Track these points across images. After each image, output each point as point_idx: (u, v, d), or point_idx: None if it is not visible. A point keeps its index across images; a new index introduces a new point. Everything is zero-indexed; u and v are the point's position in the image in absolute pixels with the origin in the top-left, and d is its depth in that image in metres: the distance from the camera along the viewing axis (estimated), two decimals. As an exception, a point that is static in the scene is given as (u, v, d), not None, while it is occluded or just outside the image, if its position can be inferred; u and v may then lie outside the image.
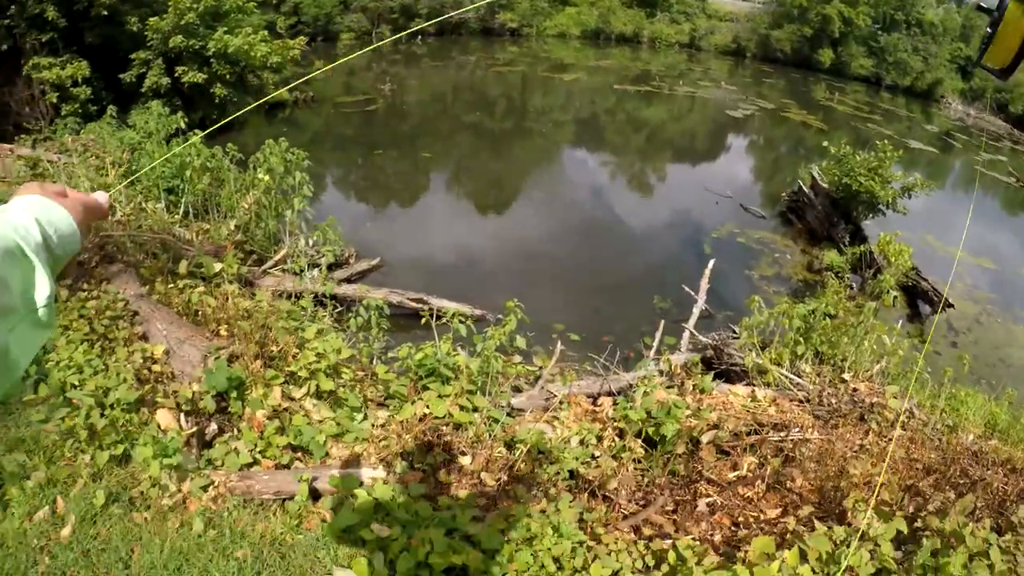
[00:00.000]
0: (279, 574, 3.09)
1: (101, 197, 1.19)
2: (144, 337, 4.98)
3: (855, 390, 5.48)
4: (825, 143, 15.63)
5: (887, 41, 51.32)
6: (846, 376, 5.88)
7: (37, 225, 1.00)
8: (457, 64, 37.36)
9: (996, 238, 20.16)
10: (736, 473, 4.30)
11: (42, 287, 0.96)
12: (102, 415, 3.79)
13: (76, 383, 4.01)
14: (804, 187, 15.52)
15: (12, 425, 3.89)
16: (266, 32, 20.08)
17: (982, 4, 1.07)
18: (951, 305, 12.02)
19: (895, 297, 9.76)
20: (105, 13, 17.28)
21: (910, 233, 14.84)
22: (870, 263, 12.45)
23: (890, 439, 4.55)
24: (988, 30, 1.02)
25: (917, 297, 12.44)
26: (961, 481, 4.18)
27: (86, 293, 5.28)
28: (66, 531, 3.18)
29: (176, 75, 17.54)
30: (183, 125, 10.82)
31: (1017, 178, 28.98)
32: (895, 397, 5.17)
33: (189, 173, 8.94)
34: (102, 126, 12.24)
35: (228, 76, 18.14)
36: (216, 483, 3.55)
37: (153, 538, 3.18)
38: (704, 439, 4.51)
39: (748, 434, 4.69)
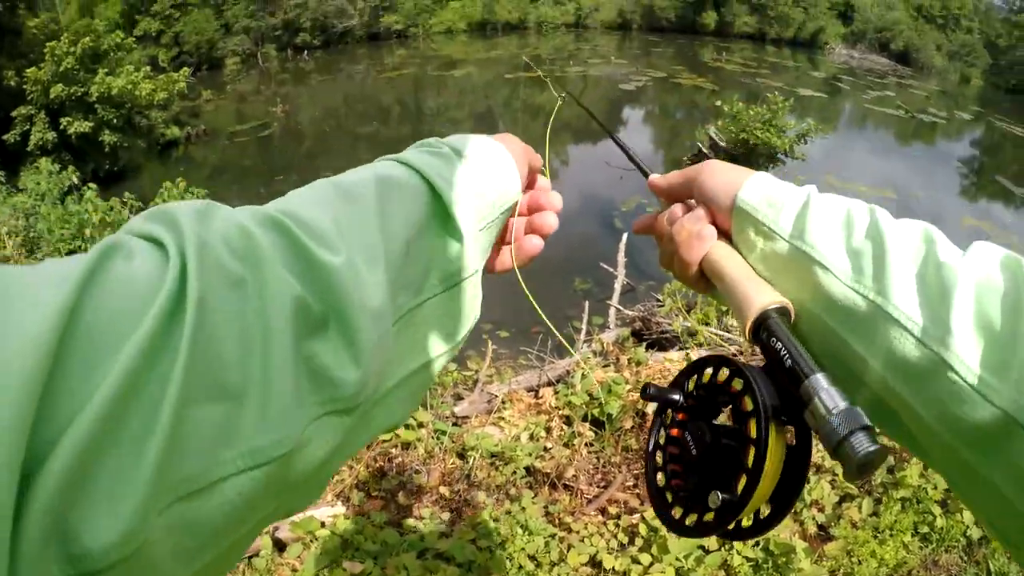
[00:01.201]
0: (260, 634, 3.07)
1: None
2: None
3: (783, 331, 5.69)
4: (719, 102, 16.11)
5: (767, -4, 53.50)
6: (771, 322, 6.10)
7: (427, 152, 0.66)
8: (347, 75, 36.97)
9: (892, 168, 21.55)
10: (685, 436, 4.44)
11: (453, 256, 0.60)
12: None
13: None
14: (703, 148, 15.89)
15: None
16: (149, 68, 19.44)
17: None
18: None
19: (808, 237, 10.13)
20: (-21, 71, 16.50)
21: (812, 176, 15.50)
22: (780, 212, 12.89)
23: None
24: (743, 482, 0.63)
25: (829, 233, 12.97)
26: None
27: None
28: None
29: (62, 127, 16.82)
30: (76, 180, 10.45)
31: (905, 109, 31.09)
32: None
33: (89, 231, 8.62)
34: (-10, 194, 11.69)
35: (115, 120, 17.50)
36: (176, 551, 3.48)
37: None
38: (649, 409, 4.64)
39: (689, 398, 4.83)
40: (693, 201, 0.80)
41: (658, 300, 7.88)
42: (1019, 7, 52.64)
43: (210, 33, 41.41)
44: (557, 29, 52.06)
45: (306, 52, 44.74)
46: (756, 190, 0.73)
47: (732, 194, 0.74)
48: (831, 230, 0.68)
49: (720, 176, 0.77)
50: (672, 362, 5.55)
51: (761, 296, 0.68)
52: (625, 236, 10.58)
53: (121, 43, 18.58)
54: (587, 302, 8.26)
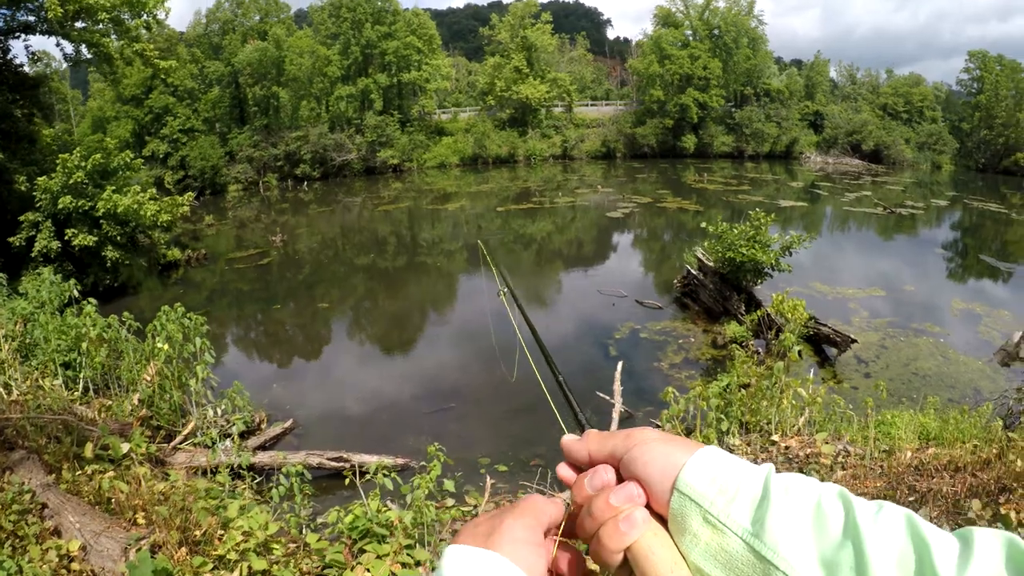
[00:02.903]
0: None
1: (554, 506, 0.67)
2: (56, 532, 4.70)
3: (787, 448, 5.71)
4: (704, 224, 16.60)
5: (741, 116, 56.93)
6: (775, 437, 6.13)
7: None
8: (344, 207, 37.99)
9: (878, 265, 22.09)
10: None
11: None
12: (22, 629, 3.52)
13: (-13, 591, 3.72)
14: (692, 270, 16.48)
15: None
16: (154, 189, 19.92)
17: None
18: (854, 341, 12.74)
19: (800, 350, 10.27)
20: (-7, 171, 16.89)
21: (799, 287, 16.17)
22: (770, 325, 13.20)
23: (835, 482, 4.75)
24: None
25: (821, 343, 13.16)
26: (912, 498, 4.38)
27: (-12, 488, 4.97)
28: None
29: (66, 238, 17.08)
30: (76, 293, 10.56)
31: (884, 206, 32.71)
32: (827, 443, 5.41)
33: (86, 345, 8.63)
34: (-9, 295, 11.74)
35: (119, 237, 17.80)
36: None
37: None
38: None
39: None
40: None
41: (658, 426, 7.90)
42: (977, 89, 55.70)
43: (215, 160, 42.87)
44: (545, 161, 54.38)
45: (306, 183, 46.28)
46: (702, 471, 0.60)
47: (672, 473, 0.61)
48: (797, 530, 0.55)
49: (657, 449, 0.63)
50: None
51: None
52: (620, 364, 10.69)
53: (130, 163, 19.12)
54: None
